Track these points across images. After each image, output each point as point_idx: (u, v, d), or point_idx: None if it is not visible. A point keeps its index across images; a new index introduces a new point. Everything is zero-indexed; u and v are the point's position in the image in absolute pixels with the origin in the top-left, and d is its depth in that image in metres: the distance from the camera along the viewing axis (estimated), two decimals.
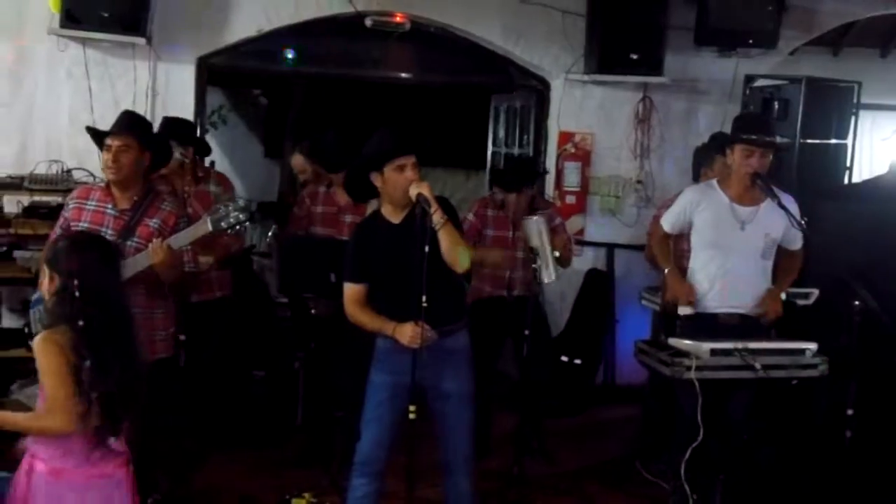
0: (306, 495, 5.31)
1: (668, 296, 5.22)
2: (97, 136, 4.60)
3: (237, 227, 4.57)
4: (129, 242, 4.43)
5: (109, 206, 4.49)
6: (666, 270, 5.14)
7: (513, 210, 6.03)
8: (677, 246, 5.38)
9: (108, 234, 4.42)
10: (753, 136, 4.92)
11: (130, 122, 4.63)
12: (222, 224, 4.49)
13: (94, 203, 4.51)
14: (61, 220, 4.61)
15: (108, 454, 3.28)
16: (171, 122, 5.81)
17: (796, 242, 5.07)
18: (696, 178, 6.15)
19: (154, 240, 4.37)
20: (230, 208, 4.50)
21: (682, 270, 5.16)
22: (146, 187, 4.62)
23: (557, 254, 5.73)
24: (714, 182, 5.11)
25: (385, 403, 4.27)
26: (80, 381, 3.15)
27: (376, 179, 4.23)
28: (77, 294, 3.21)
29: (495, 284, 6.04)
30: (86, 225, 4.45)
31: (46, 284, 3.35)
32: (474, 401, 4.38)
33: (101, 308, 3.24)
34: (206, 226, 4.49)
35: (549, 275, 5.66)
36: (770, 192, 4.86)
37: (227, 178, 6.01)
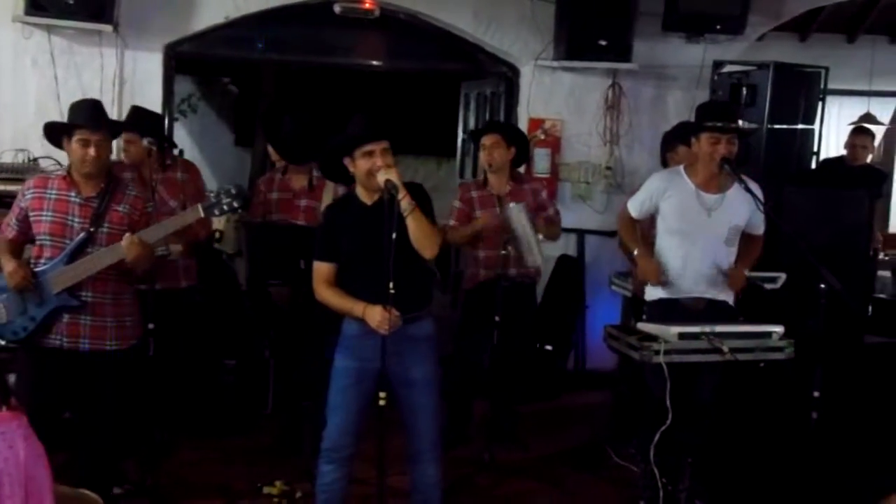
0: (277, 483, 5.29)
1: (639, 276, 5.23)
2: (61, 129, 4.48)
3: (228, 213, 4.61)
4: (101, 230, 4.40)
5: (73, 194, 4.42)
6: (635, 252, 5.15)
7: (496, 170, 6.01)
8: (648, 231, 5.39)
9: (76, 221, 4.38)
10: (719, 124, 4.94)
11: (102, 114, 4.55)
12: (215, 211, 4.51)
13: (54, 192, 4.43)
14: (17, 211, 4.50)
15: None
16: (137, 113, 5.77)
17: (759, 228, 5.10)
18: (664, 163, 6.18)
19: (126, 235, 4.32)
20: (222, 197, 4.50)
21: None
22: (109, 174, 4.58)
23: (541, 236, 5.73)
24: (681, 169, 5.12)
25: (350, 389, 4.25)
26: None
27: (348, 164, 4.24)
28: None
29: (489, 265, 5.97)
30: (50, 214, 4.37)
31: None
32: (439, 387, 4.36)
33: None
34: (197, 212, 4.51)
35: (533, 259, 5.70)
36: (737, 177, 4.89)
37: (194, 165, 5.99)
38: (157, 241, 4.51)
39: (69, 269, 4.32)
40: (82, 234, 4.37)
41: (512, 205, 5.65)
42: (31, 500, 3.31)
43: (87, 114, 4.48)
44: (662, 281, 5.00)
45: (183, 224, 4.63)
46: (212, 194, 4.58)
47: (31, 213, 4.44)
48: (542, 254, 5.78)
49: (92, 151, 4.37)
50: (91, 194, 4.44)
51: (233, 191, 4.53)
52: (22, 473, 3.31)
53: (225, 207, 4.51)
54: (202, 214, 4.52)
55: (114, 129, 4.65)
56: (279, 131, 6.01)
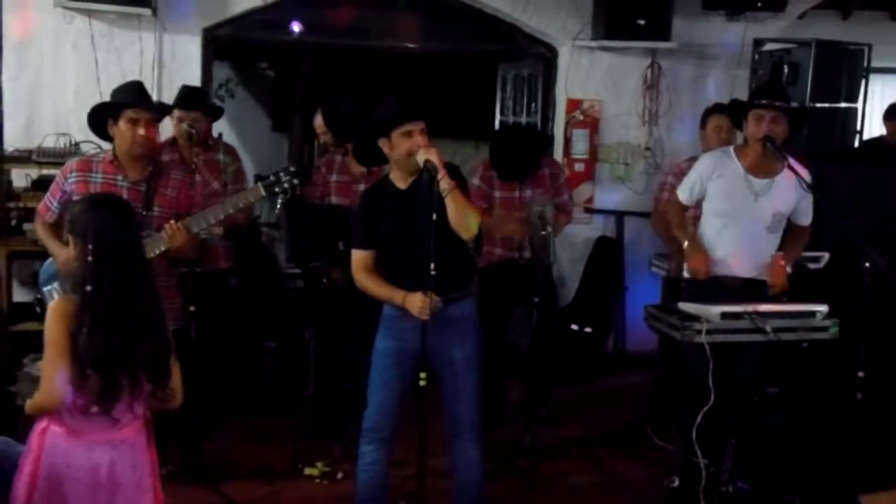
0: (319, 464, 5.34)
1: (690, 269, 5.12)
2: (110, 110, 4.48)
3: (289, 191, 4.57)
4: (151, 212, 4.42)
5: (120, 177, 4.42)
6: (685, 244, 5.07)
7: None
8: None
9: None
10: (763, 101, 4.89)
11: (148, 94, 4.57)
12: (276, 189, 4.49)
13: (100, 176, 4.43)
14: (59, 195, 4.50)
15: (122, 418, 3.24)
16: (189, 90, 5.78)
17: (806, 217, 5.02)
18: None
19: (169, 223, 4.31)
20: (282, 175, 4.49)
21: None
22: (152, 159, 4.59)
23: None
24: (731, 150, 5.07)
25: (391, 369, 4.26)
26: (77, 349, 3.10)
27: (384, 145, 4.19)
28: (90, 258, 3.15)
29: (505, 245, 6.02)
30: None
31: (71, 250, 3.29)
32: (480, 368, 4.34)
33: (114, 269, 3.17)
34: (258, 191, 4.51)
35: (547, 259, 5.70)
36: (781, 156, 4.82)
37: (233, 147, 6.00)
38: (203, 228, 4.46)
39: None
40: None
41: (536, 207, 5.67)
42: None
43: (135, 93, 4.49)
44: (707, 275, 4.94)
45: (246, 204, 4.60)
46: (271, 175, 4.54)
47: (76, 198, 4.38)
48: (556, 254, 5.78)
49: (141, 130, 4.37)
50: (138, 178, 4.44)
51: (292, 168, 4.52)
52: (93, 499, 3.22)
53: (286, 185, 4.49)
54: (263, 193, 4.49)
55: (160, 108, 4.65)
56: (335, 109, 5.96)
